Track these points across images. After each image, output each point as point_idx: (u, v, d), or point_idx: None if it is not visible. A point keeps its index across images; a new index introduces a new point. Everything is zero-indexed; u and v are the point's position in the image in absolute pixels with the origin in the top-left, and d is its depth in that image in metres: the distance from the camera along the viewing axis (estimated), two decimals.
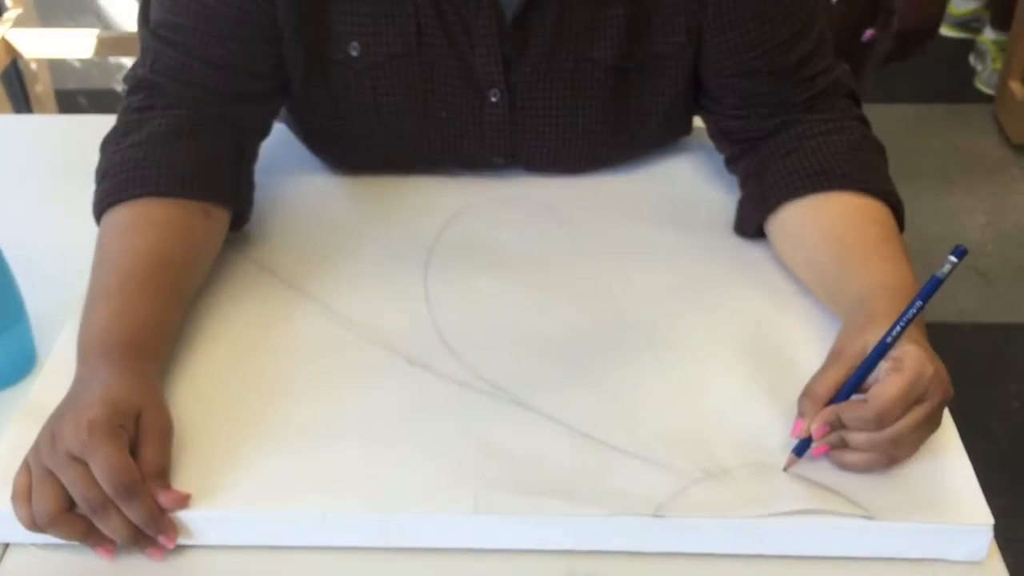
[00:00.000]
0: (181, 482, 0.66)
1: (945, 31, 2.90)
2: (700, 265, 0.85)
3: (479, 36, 0.83)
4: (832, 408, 0.65)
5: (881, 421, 0.63)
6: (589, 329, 0.78)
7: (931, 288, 0.64)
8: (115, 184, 0.78)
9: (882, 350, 0.65)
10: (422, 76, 0.86)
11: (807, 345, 0.75)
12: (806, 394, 0.67)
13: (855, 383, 0.65)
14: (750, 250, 0.86)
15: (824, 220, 0.80)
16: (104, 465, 0.61)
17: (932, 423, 0.65)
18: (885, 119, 2.61)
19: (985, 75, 2.65)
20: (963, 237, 2.18)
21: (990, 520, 0.63)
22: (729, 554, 0.64)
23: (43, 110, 2.02)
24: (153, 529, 0.63)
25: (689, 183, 0.95)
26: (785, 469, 0.66)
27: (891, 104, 2.62)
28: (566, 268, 0.84)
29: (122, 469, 0.62)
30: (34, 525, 0.62)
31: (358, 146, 0.92)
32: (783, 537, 0.64)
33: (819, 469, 0.66)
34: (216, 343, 0.77)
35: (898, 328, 0.64)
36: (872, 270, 0.74)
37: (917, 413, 0.63)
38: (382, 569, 0.64)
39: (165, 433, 0.67)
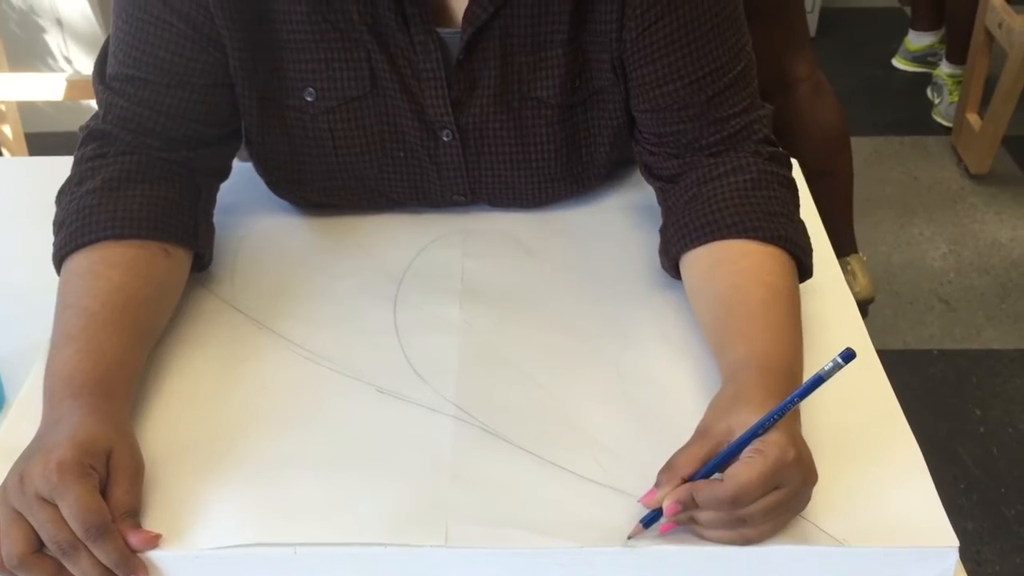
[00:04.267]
0: (151, 522, 0.65)
1: (902, 66, 2.97)
2: (665, 295, 0.86)
3: (427, 79, 0.85)
4: (687, 487, 0.62)
5: (736, 503, 0.61)
6: (558, 359, 0.79)
7: (810, 386, 0.63)
8: (72, 232, 0.78)
9: (748, 439, 0.63)
10: (378, 118, 0.87)
11: None
12: (667, 467, 0.64)
13: (715, 467, 0.63)
14: None
15: (714, 280, 0.78)
16: (74, 506, 0.61)
17: (792, 507, 0.64)
18: None
19: (943, 108, 2.72)
20: (925, 266, 2.22)
21: (955, 542, 0.64)
22: None
23: (13, 153, 2.01)
24: (124, 570, 0.63)
25: (653, 212, 0.96)
26: (629, 538, 0.64)
27: (852, 137, 2.67)
28: (534, 299, 0.85)
29: (92, 510, 0.61)
30: (2, 567, 0.62)
31: (320, 188, 0.93)
32: (753, 564, 0.64)
33: None
34: (184, 381, 0.77)
35: (770, 420, 0.62)
36: (749, 339, 0.72)
37: (771, 498, 0.62)
38: None
39: (135, 473, 0.66)
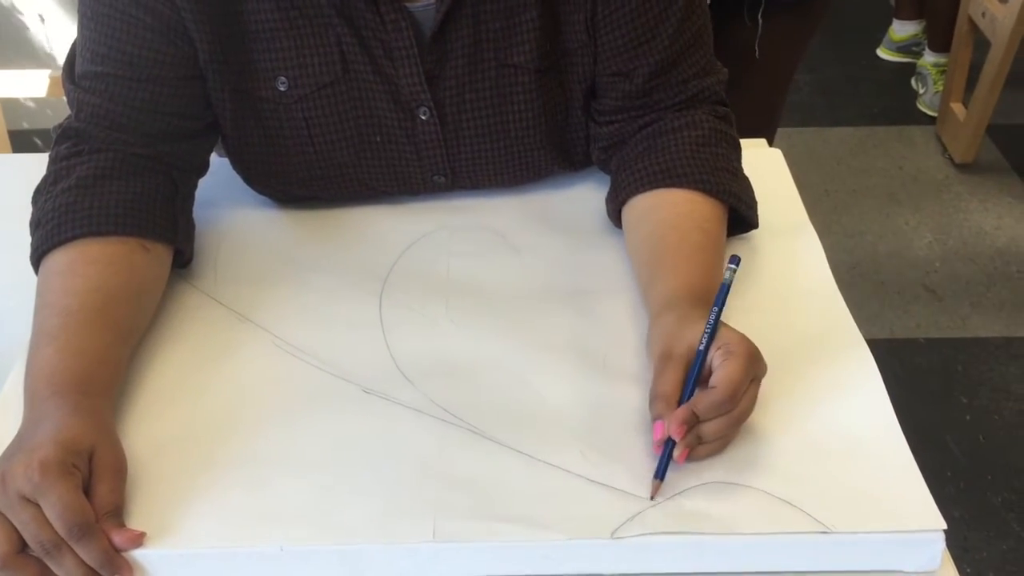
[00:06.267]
0: (135, 520, 0.65)
1: (887, 56, 2.98)
2: None
3: (400, 57, 0.84)
4: (685, 406, 0.67)
5: (732, 401, 0.67)
6: (544, 357, 0.78)
7: (725, 292, 0.73)
8: (48, 231, 0.77)
9: (707, 347, 0.70)
10: (352, 102, 0.87)
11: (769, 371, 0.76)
12: (657, 397, 0.69)
13: (695, 379, 0.69)
14: None
15: (654, 219, 0.85)
16: (57, 505, 0.60)
17: (755, 398, 0.70)
18: (831, 141, 2.69)
19: (927, 97, 2.72)
20: (911, 255, 2.23)
21: (942, 525, 0.64)
22: (687, 573, 0.65)
23: None
24: (108, 570, 0.62)
25: None
26: (652, 497, 0.66)
27: (837, 127, 2.68)
28: (521, 297, 0.85)
29: (75, 509, 0.61)
30: None
31: (298, 181, 0.92)
32: (741, 555, 0.65)
33: (773, 483, 0.67)
34: (168, 377, 0.77)
35: (714, 324, 0.70)
36: (683, 273, 0.78)
37: (752, 391, 0.69)
38: None
39: (119, 471, 0.66)
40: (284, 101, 0.86)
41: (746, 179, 0.89)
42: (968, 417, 1.84)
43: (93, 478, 0.64)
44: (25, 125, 2.47)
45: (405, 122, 0.88)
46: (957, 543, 0.60)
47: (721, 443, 0.69)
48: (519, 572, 0.65)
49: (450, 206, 0.96)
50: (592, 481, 0.68)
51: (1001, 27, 2.30)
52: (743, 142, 1.04)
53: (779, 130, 1.60)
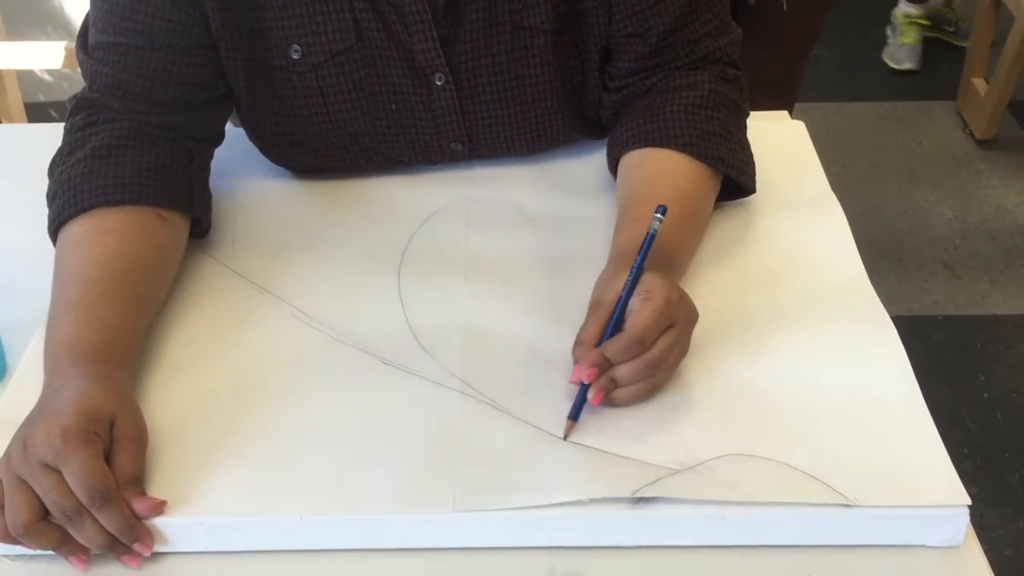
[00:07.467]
0: (156, 489, 0.65)
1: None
2: None
3: (414, 23, 0.84)
4: (597, 350, 0.68)
5: (642, 344, 0.67)
6: (562, 330, 0.78)
7: (650, 240, 0.72)
8: (65, 201, 0.77)
9: (628, 293, 0.70)
10: (366, 70, 0.86)
11: (785, 337, 0.76)
12: (577, 344, 0.70)
13: (614, 325, 0.70)
14: (724, 242, 0.86)
15: (635, 174, 0.86)
16: (78, 472, 0.61)
17: (683, 347, 0.70)
18: (850, 116, 2.66)
19: (891, 49, 2.72)
20: (930, 232, 2.21)
21: (966, 500, 0.64)
22: (707, 546, 0.65)
23: (12, 122, 2.00)
24: (129, 537, 0.62)
25: None
26: (565, 438, 0.68)
27: (856, 102, 2.66)
28: (539, 270, 0.84)
29: (97, 476, 0.61)
30: (7, 535, 0.62)
31: (314, 151, 0.92)
32: (763, 527, 0.64)
33: (795, 455, 0.66)
34: (187, 347, 0.77)
35: (638, 270, 0.70)
36: (639, 226, 0.77)
37: (670, 335, 0.69)
38: (362, 570, 0.64)
39: (139, 440, 0.66)
40: (298, 69, 0.85)
41: (743, 143, 0.88)
42: (986, 395, 1.83)
43: (114, 446, 0.64)
44: (41, 97, 2.47)
45: (420, 89, 0.87)
46: (974, 520, 0.60)
47: (642, 387, 0.69)
48: (539, 543, 0.64)
49: (468, 176, 0.95)
50: (613, 454, 0.67)
51: None
52: (765, 114, 1.03)
53: (797, 105, 1.58)
